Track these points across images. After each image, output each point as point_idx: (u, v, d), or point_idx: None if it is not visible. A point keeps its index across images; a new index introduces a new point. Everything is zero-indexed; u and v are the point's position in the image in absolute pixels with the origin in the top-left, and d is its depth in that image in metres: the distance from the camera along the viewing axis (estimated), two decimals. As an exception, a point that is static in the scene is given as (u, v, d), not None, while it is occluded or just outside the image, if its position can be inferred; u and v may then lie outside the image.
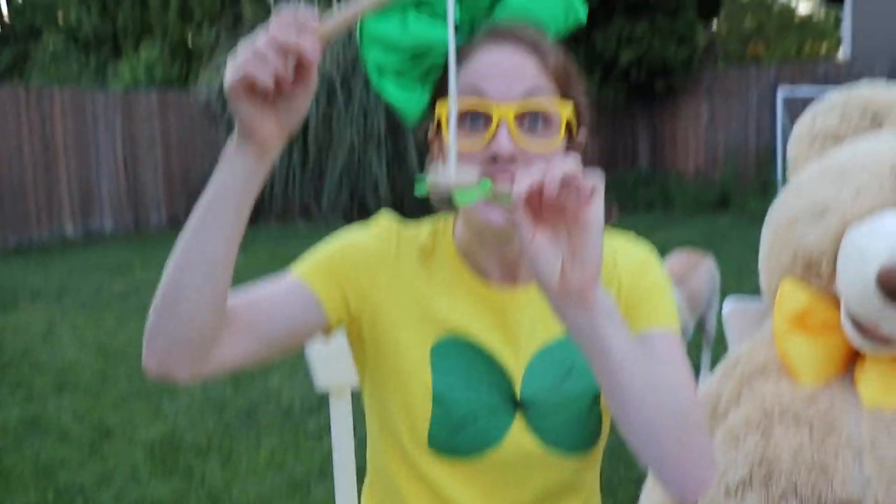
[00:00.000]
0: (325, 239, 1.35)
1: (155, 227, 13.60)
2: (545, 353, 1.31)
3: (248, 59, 0.96)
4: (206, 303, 1.08)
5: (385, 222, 1.38)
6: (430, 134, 1.29)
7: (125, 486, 3.80)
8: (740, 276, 6.85)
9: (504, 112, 1.15)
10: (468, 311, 1.30)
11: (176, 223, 13.86)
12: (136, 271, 9.36)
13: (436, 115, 1.23)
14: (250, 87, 0.99)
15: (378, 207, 12.26)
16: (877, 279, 1.50)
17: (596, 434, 1.32)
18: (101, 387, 5.21)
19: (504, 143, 1.14)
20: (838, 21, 25.95)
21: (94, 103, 12.86)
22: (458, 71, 1.16)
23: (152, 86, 15.89)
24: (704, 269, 4.51)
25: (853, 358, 1.66)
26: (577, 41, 13.57)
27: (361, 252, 1.33)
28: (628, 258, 1.34)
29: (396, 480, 1.34)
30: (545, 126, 1.19)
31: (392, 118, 12.38)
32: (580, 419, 1.30)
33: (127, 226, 13.29)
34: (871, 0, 18.55)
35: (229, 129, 14.16)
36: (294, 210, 12.98)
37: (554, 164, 0.94)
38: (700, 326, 4.67)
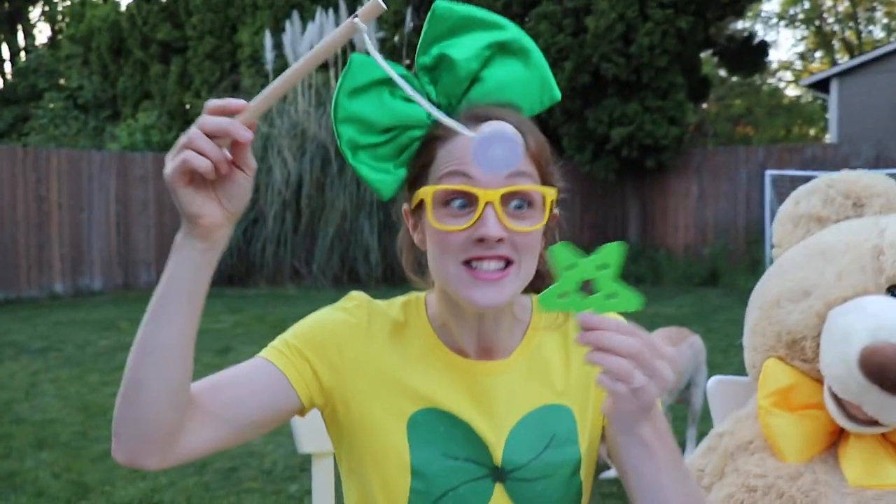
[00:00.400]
0: (301, 318, 1.37)
1: (144, 286, 13.57)
2: (526, 422, 1.31)
3: (182, 148, 1.03)
4: (165, 392, 1.10)
5: (355, 299, 1.38)
6: (405, 211, 1.32)
7: (102, 547, 3.74)
8: (728, 353, 6.86)
9: (491, 196, 1.18)
10: (444, 383, 1.30)
11: (165, 284, 13.83)
12: (123, 329, 9.31)
13: (417, 198, 1.25)
14: (189, 175, 1.05)
15: (369, 274, 12.26)
16: (859, 360, 1.52)
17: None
18: (81, 443, 5.15)
19: (492, 226, 1.17)
20: (825, 107, 26.46)
21: (89, 163, 12.95)
22: (439, 150, 1.23)
23: (148, 149, 16.01)
24: (686, 345, 4.53)
25: (836, 436, 1.67)
26: (570, 117, 13.76)
27: (331, 330, 1.33)
28: None
29: None
30: (529, 208, 1.22)
31: (385, 186, 12.49)
32: (560, 489, 1.30)
33: (116, 285, 13.26)
34: (855, 89, 19.05)
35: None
36: (284, 273, 12.99)
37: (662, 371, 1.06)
38: (686, 402, 4.67)
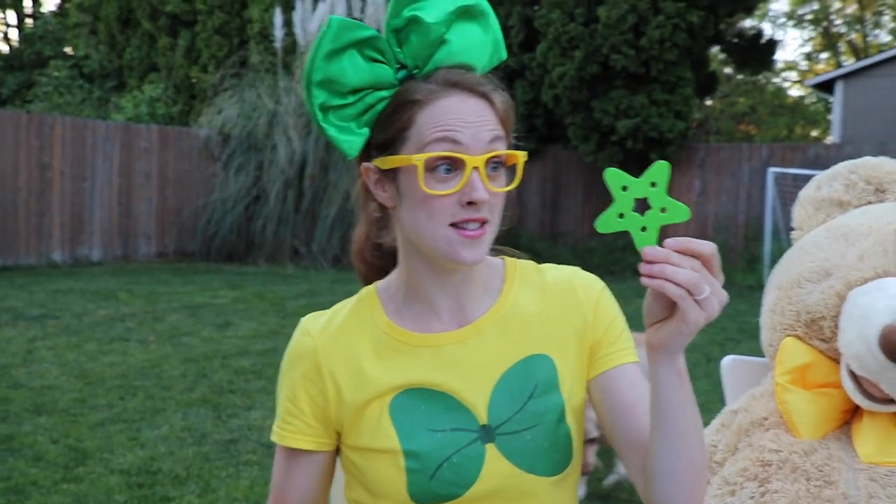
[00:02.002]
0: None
1: (143, 258, 13.59)
2: (507, 377, 1.33)
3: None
4: None
5: (302, 324, 1.43)
6: (366, 169, 1.35)
7: (101, 510, 3.76)
8: (725, 347, 6.88)
9: (477, 161, 1.24)
10: (413, 364, 1.34)
11: (164, 256, 13.84)
12: (121, 299, 9.34)
13: (399, 162, 1.28)
14: None
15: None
16: (879, 339, 1.55)
17: (567, 453, 1.34)
18: (79, 410, 5.16)
19: (481, 190, 1.24)
20: (829, 108, 26.51)
21: (94, 132, 12.93)
22: (418, 115, 1.27)
23: (153, 121, 15.99)
24: None
25: (850, 414, 1.71)
26: (576, 107, 13.76)
27: (302, 371, 1.39)
28: (588, 294, 1.41)
29: None
30: (502, 168, 1.29)
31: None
32: (549, 436, 1.32)
33: (115, 256, 13.27)
34: (859, 91, 19.14)
35: (225, 167, 14.09)
36: (284, 252, 13.00)
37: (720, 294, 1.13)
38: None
